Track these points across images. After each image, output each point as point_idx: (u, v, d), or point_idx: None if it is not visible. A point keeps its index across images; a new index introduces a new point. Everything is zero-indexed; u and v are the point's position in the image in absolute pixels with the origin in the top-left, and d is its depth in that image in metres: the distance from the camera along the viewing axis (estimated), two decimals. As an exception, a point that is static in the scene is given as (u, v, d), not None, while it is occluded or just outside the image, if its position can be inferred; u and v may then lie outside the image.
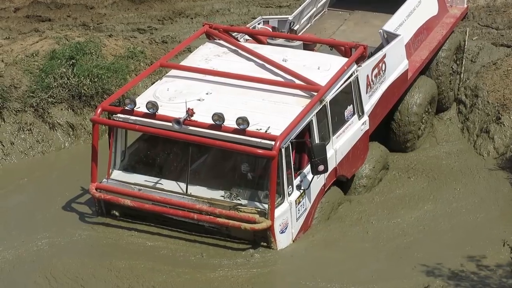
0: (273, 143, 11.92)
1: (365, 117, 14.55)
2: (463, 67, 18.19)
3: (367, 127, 14.61)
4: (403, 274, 12.80)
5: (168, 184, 13.22)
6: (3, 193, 15.14)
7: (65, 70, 18.18)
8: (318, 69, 14.13)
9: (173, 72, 14.80)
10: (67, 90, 17.97)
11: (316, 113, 13.23)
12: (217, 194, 12.79)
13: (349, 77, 14.28)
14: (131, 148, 14.20)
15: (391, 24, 15.92)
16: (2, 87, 17.66)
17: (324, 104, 13.46)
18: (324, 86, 13.49)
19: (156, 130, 13.15)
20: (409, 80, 16.18)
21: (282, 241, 12.67)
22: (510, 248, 9.90)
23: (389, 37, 15.71)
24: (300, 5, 18.34)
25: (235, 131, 12.19)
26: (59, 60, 18.46)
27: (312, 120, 13.14)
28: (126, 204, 13.18)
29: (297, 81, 13.78)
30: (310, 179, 13.04)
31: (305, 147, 12.85)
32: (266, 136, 12.18)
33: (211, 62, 14.58)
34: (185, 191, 12.94)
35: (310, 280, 12.99)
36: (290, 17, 16.84)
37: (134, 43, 20.17)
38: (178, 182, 13.16)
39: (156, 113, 12.83)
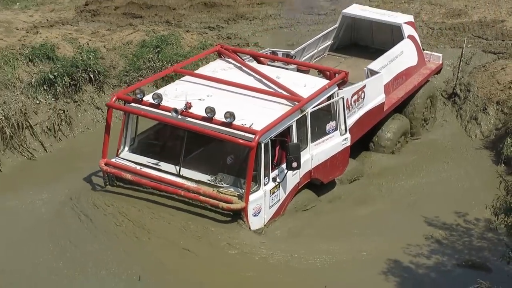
0: (253, 136, 12.26)
1: (347, 135, 14.56)
2: (435, 113, 18.34)
3: (348, 143, 14.64)
4: (411, 225, 13.70)
5: (165, 166, 13.43)
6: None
7: (152, 56, 19.46)
8: (304, 86, 14.41)
9: (184, 78, 15.15)
10: (153, 71, 18.94)
11: (297, 119, 13.45)
12: (205, 178, 12.99)
13: (330, 97, 14.44)
14: (140, 135, 14.42)
15: (375, 64, 16.23)
16: (103, 67, 18.73)
17: (305, 114, 13.70)
18: (305, 98, 13.82)
19: (158, 117, 13.66)
20: (385, 112, 16.32)
21: (254, 223, 12.84)
22: (491, 210, 10.04)
23: (372, 74, 16.01)
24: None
25: (222, 123, 12.56)
26: (147, 48, 19.71)
27: (292, 125, 13.32)
28: (127, 179, 13.59)
29: (284, 93, 14.02)
30: (283, 176, 13.25)
31: (283, 146, 13.07)
32: (248, 130, 12.49)
33: (217, 73, 14.88)
34: (178, 172, 13.20)
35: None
36: (293, 52, 16.95)
37: (205, 37, 21.18)
38: (174, 165, 13.39)
39: (160, 103, 13.28)
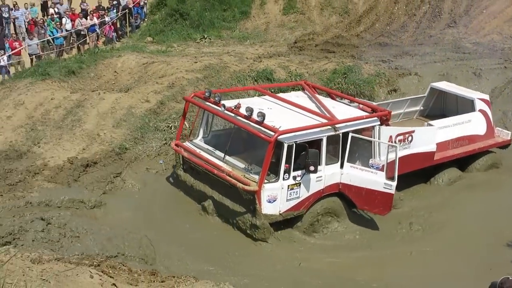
0: (273, 133, 13.01)
1: (394, 182, 14.14)
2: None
3: (391, 190, 14.14)
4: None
5: (218, 153, 14.61)
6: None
7: (340, 80, 22.31)
8: (345, 113, 15.16)
9: (264, 96, 16.34)
10: (340, 91, 20.57)
11: (328, 135, 13.90)
12: (240, 164, 14.06)
13: (369, 128, 14.81)
14: (213, 131, 15.78)
15: (435, 122, 16.94)
16: None
17: (338, 133, 14.12)
18: (337, 119, 14.39)
19: (212, 110, 14.88)
20: (435, 161, 16.44)
21: (268, 208, 13.33)
22: None
23: (428, 125, 16.75)
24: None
25: (255, 121, 13.50)
26: (337, 74, 22.62)
27: (322, 138, 13.81)
28: (182, 155, 15.08)
29: (326, 115, 14.61)
30: (306, 179, 13.68)
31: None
32: (270, 128, 13.21)
33: (289, 98, 15.76)
34: (222, 157, 14.34)
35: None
36: (378, 102, 17.63)
37: (379, 68, 23.50)
38: (223, 153, 14.53)
39: (219, 102, 14.56)
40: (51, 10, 31.92)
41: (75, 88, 21.76)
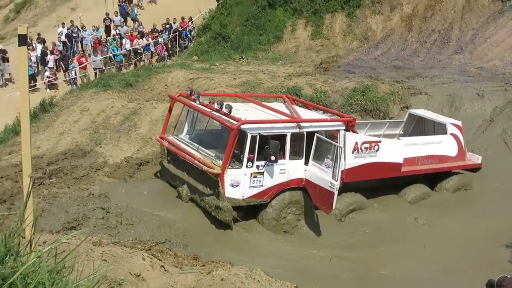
0: (236, 123, 12.59)
1: (336, 183, 13.08)
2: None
3: (333, 190, 13.08)
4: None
5: (194, 145, 14.03)
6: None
7: (359, 97, 22.21)
8: (311, 116, 14.97)
9: (248, 103, 15.73)
10: (359, 107, 21.88)
11: (292, 132, 13.37)
12: (212, 154, 13.42)
13: (334, 131, 14.18)
14: (197, 130, 15.05)
15: (406, 139, 16.63)
16: (329, 102, 21.81)
17: (303, 131, 13.55)
18: (302, 118, 14.03)
19: (189, 104, 14.46)
20: (402, 172, 15.68)
21: (231, 191, 12.74)
22: None
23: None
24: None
25: (223, 112, 13.10)
26: (357, 92, 22.54)
27: (287, 134, 13.27)
28: (163, 145, 14.55)
29: (294, 116, 14.22)
30: (269, 169, 13.13)
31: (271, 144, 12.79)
32: (234, 118, 12.82)
33: (268, 105, 15.08)
34: (197, 148, 13.79)
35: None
36: (358, 122, 16.17)
37: (393, 87, 23.25)
38: (198, 145, 13.96)
39: (196, 99, 14.24)
40: (113, 32, 32.37)
41: (131, 98, 22.06)
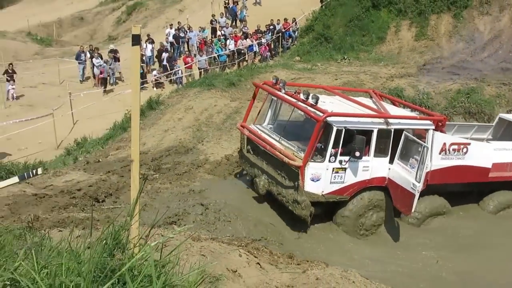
0: (321, 114, 11.95)
1: (419, 184, 12.34)
2: None
3: (415, 192, 12.39)
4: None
5: (275, 136, 13.44)
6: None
7: (463, 99, 21.71)
8: (399, 112, 14.37)
9: (333, 95, 14.91)
10: (462, 109, 21.34)
11: (379, 128, 12.68)
12: (294, 146, 12.75)
13: (423, 130, 13.47)
14: (279, 120, 14.37)
15: (496, 143, 15.60)
16: (432, 104, 21.34)
17: (390, 129, 12.83)
18: (389, 113, 13.35)
19: (274, 92, 13.90)
20: (490, 178, 14.76)
21: (310, 186, 12.16)
22: None
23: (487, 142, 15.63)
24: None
25: (310, 104, 12.46)
26: (461, 94, 21.93)
27: (373, 130, 12.59)
28: (244, 133, 14.05)
29: (381, 110, 13.59)
30: (352, 165, 12.49)
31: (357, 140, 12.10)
32: (320, 109, 12.19)
33: (355, 99, 14.43)
34: (278, 139, 13.14)
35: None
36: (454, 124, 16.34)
37: (500, 90, 22.59)
38: (279, 135, 13.36)
39: (281, 88, 13.66)
40: (218, 32, 33.10)
41: (234, 97, 22.37)
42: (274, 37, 32.73)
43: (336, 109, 12.75)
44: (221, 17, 34.74)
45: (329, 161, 12.24)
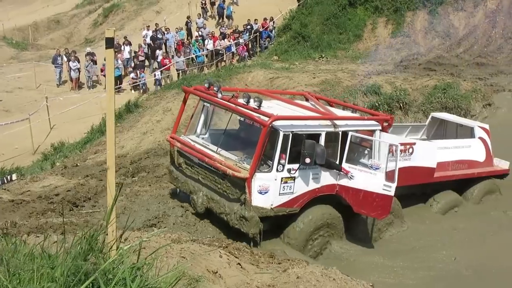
0: (267, 119, 10.69)
1: (393, 184, 11.69)
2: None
3: (390, 192, 11.72)
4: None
5: (211, 146, 12.13)
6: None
7: (440, 95, 21.97)
8: (343, 113, 13.49)
9: (272, 100, 13.56)
10: (439, 105, 21.44)
11: (327, 131, 11.61)
12: (234, 156, 11.51)
13: (369, 132, 12.60)
14: (211, 129, 13.13)
15: (438, 142, 15.37)
16: (409, 100, 21.69)
17: (338, 131, 11.83)
18: (335, 114, 12.54)
19: (209, 98, 12.40)
20: (435, 178, 14.23)
21: (258, 199, 10.85)
22: None
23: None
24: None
25: (252, 108, 11.18)
26: (437, 90, 22.27)
27: (321, 133, 11.46)
28: (175, 146, 12.58)
29: (324, 112, 12.73)
30: (302, 174, 11.27)
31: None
32: (265, 113, 10.94)
33: (294, 101, 13.63)
34: (216, 150, 11.79)
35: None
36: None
37: (475, 85, 22.96)
38: (216, 146, 11.99)
39: (216, 92, 12.02)
40: (196, 33, 33.04)
41: (213, 98, 22.27)
42: (251, 37, 32.69)
43: (278, 111, 11.56)
44: (198, 18, 34.66)
45: (277, 170, 10.95)
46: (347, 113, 13.95)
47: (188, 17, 34.86)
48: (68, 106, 24.94)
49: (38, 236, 7.42)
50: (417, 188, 14.35)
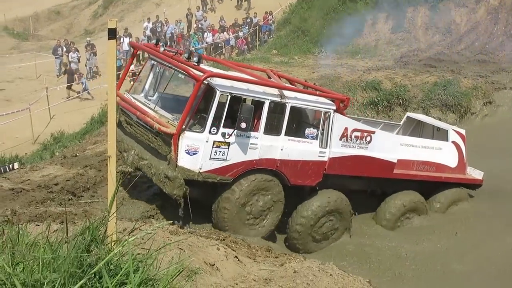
0: (202, 74, 10.16)
1: (327, 150, 11.60)
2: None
3: (325, 158, 11.61)
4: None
5: (151, 104, 11.60)
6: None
7: (440, 92, 21.65)
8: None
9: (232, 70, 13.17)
10: (439, 102, 21.49)
11: (271, 100, 10.93)
12: (169, 115, 10.87)
13: (321, 109, 11.76)
14: (156, 88, 12.55)
15: (403, 137, 14.80)
16: (409, 96, 21.42)
17: (285, 103, 11.11)
18: (283, 85, 12.07)
19: (151, 51, 12.01)
20: (394, 174, 13.33)
21: (185, 160, 10.23)
22: None
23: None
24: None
25: (191, 64, 10.58)
26: (438, 86, 22.23)
27: (265, 101, 10.83)
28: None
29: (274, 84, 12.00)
30: (238, 141, 10.60)
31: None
32: (201, 69, 10.45)
33: (253, 73, 12.76)
34: (153, 108, 11.23)
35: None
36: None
37: (476, 82, 22.89)
38: (154, 104, 11.60)
39: (162, 47, 11.61)
40: (194, 25, 33.01)
41: (212, 91, 22.22)
42: (251, 31, 32.68)
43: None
44: (197, 11, 34.63)
45: (210, 132, 10.30)
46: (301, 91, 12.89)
47: (189, 9, 34.81)
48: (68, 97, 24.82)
49: (38, 225, 7.46)
50: (376, 184, 13.69)
